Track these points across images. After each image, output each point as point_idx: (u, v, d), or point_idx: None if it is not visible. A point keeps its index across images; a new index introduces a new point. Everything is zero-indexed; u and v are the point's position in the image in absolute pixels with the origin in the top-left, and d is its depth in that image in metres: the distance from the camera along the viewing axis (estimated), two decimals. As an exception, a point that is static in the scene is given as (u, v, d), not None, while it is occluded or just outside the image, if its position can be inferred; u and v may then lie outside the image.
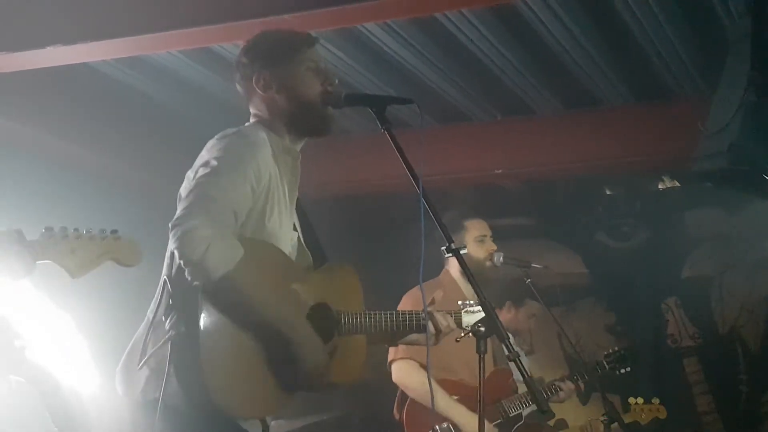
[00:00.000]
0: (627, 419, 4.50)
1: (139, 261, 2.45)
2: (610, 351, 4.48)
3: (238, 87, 2.63)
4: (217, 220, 2.21)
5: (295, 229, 2.58)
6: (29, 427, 3.89)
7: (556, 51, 4.31)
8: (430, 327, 2.75)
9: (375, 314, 2.64)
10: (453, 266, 4.17)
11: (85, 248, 2.34)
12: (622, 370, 4.42)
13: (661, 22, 3.99)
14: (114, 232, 2.42)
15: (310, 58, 2.54)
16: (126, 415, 2.38)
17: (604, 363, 4.42)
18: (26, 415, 3.89)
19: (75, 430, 3.75)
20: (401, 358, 4.00)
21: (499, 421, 4.02)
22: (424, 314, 2.71)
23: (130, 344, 2.41)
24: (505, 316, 4.77)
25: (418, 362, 3.95)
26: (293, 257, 2.54)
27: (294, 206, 2.57)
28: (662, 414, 4.61)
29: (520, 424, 4.09)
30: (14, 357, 3.70)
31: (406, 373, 3.98)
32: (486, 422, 3.94)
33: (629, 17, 3.94)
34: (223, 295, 2.25)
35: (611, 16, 3.97)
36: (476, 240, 4.21)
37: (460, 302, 3.02)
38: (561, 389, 4.22)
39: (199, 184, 2.27)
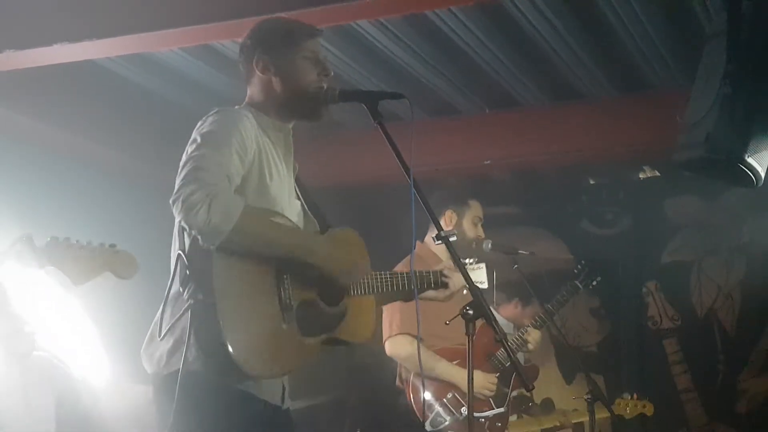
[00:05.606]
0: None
1: (134, 274, 2.59)
2: (577, 269, 4.57)
3: (241, 67, 2.72)
4: (211, 182, 2.26)
5: (298, 198, 2.65)
6: (37, 411, 3.99)
7: (541, 47, 4.39)
8: (430, 293, 2.90)
9: (382, 275, 2.72)
10: (430, 240, 4.27)
11: (86, 258, 2.52)
12: (594, 282, 4.54)
13: (642, 19, 4.08)
14: (112, 245, 2.59)
15: (309, 48, 2.62)
16: (133, 399, 2.48)
17: (578, 285, 4.52)
18: (35, 399, 3.99)
19: (81, 416, 3.83)
20: (396, 334, 4.13)
21: (498, 373, 4.20)
22: (413, 277, 2.78)
23: (152, 324, 2.45)
24: (512, 311, 4.98)
25: (413, 336, 4.03)
26: (301, 225, 2.61)
27: (293, 177, 2.64)
28: (648, 411, 4.63)
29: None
30: (25, 343, 3.80)
31: (399, 345, 4.12)
32: (490, 374, 4.13)
33: (611, 14, 4.03)
34: (239, 244, 2.30)
35: (594, 13, 4.06)
36: (473, 221, 4.40)
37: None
38: (527, 341, 4.34)
39: (189, 160, 2.33)
